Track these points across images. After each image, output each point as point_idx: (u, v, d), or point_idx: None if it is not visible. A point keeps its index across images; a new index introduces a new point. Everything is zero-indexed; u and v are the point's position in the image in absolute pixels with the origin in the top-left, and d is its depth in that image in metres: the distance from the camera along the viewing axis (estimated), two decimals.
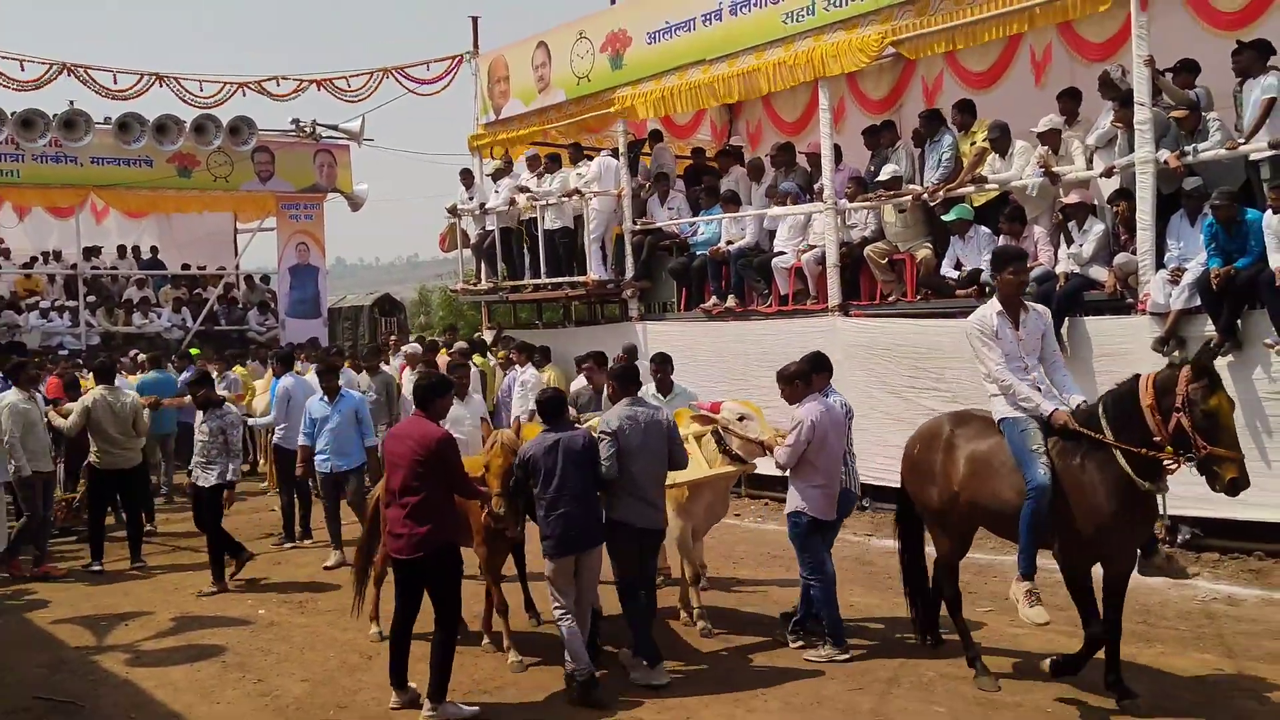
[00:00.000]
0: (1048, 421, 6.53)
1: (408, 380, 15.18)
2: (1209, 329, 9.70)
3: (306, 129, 22.98)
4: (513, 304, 17.95)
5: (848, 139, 13.62)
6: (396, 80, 20.06)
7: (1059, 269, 10.82)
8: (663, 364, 9.71)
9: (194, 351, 17.42)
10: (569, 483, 6.96)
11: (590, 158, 15.73)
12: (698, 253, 14.59)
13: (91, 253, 22.40)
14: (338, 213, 24.38)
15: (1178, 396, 5.96)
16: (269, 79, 20.39)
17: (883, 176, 12.53)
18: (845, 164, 13.18)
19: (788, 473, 7.68)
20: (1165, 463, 6.16)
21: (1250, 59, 9.98)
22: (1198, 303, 9.73)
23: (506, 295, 17.45)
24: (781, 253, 13.53)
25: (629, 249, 15.35)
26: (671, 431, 7.48)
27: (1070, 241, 10.88)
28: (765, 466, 8.69)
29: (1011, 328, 6.82)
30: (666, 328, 14.45)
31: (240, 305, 23.20)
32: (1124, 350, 10.30)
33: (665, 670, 7.31)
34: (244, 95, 20.33)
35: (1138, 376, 6.34)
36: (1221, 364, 9.65)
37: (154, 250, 23.71)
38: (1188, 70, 10.46)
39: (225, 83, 20.21)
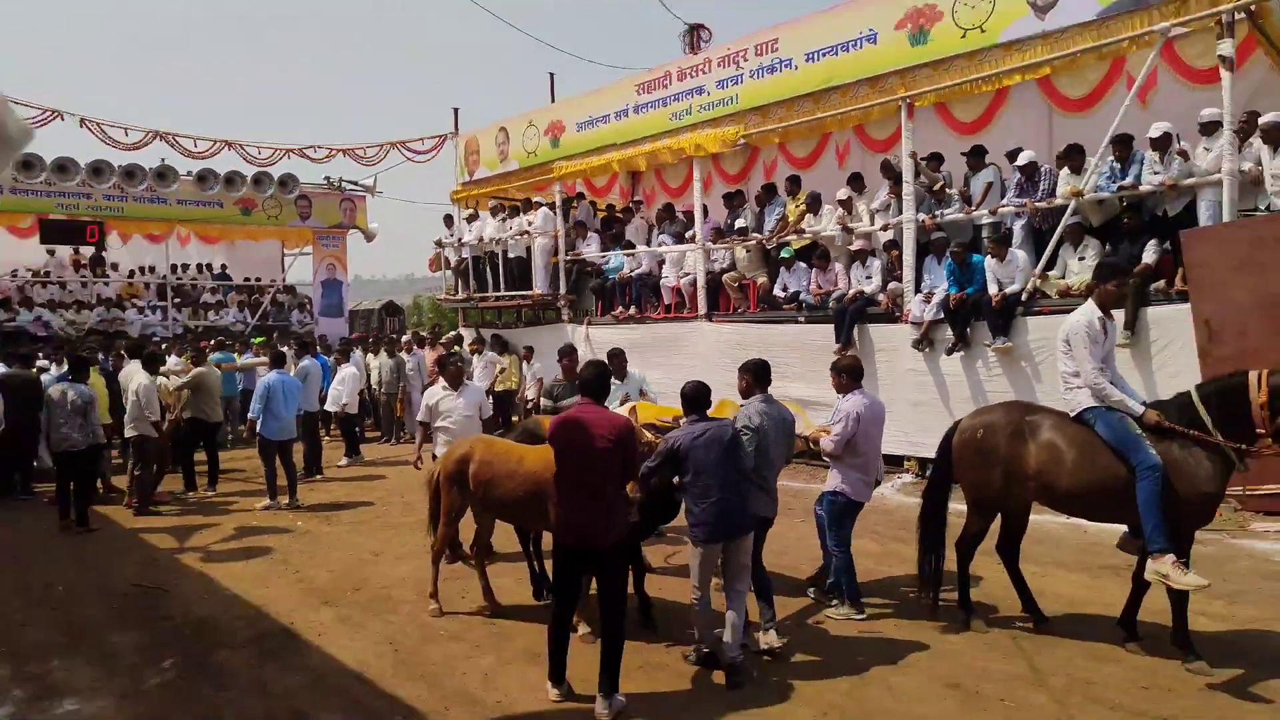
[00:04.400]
0: (1140, 419, 5.22)
1: (479, 364, 14.95)
2: (949, 334, 10.02)
3: (335, 183, 22.71)
4: (481, 310, 17.79)
5: (712, 201, 13.68)
6: (400, 151, 19.74)
7: (851, 292, 10.97)
8: (619, 356, 8.28)
9: (258, 340, 17.01)
10: (721, 472, 5.12)
11: (536, 208, 15.64)
12: (610, 276, 14.59)
13: (177, 268, 21.76)
14: (357, 243, 23.93)
15: None
16: (309, 147, 19.87)
17: (736, 227, 12.69)
18: (710, 218, 13.26)
19: (829, 459, 6.17)
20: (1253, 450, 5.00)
21: (976, 158, 10.37)
22: (941, 316, 10.00)
23: (477, 303, 17.29)
24: (666, 277, 13.63)
25: (563, 273, 15.32)
26: (793, 429, 5.79)
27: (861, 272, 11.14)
28: None
29: (1103, 332, 5.47)
30: (596, 330, 14.44)
31: (285, 307, 22.75)
32: (894, 348, 10.55)
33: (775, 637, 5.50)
34: (289, 158, 19.85)
35: (1247, 373, 5.05)
36: (955, 359, 10.04)
37: (224, 267, 23.03)
38: (937, 159, 10.78)
39: (276, 148, 19.68)
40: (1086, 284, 9.05)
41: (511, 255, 15.84)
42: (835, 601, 6.18)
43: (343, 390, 13.19)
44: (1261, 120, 8.34)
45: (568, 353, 8.27)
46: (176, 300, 20.92)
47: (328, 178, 22.73)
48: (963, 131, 10.79)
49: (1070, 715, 4.55)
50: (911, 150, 10.43)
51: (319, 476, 11.96)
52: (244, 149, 19.28)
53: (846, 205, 11.33)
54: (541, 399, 7.63)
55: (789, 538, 7.54)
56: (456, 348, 15.42)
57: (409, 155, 19.71)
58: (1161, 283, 8.72)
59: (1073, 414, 5.49)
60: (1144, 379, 8.50)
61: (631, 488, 5.03)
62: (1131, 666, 5.11)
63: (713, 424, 5.26)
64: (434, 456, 7.58)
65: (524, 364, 14.44)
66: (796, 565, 7.05)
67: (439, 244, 18.16)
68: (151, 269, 21.80)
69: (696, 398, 5.41)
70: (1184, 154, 8.73)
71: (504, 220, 16.25)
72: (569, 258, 15.26)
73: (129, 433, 10.14)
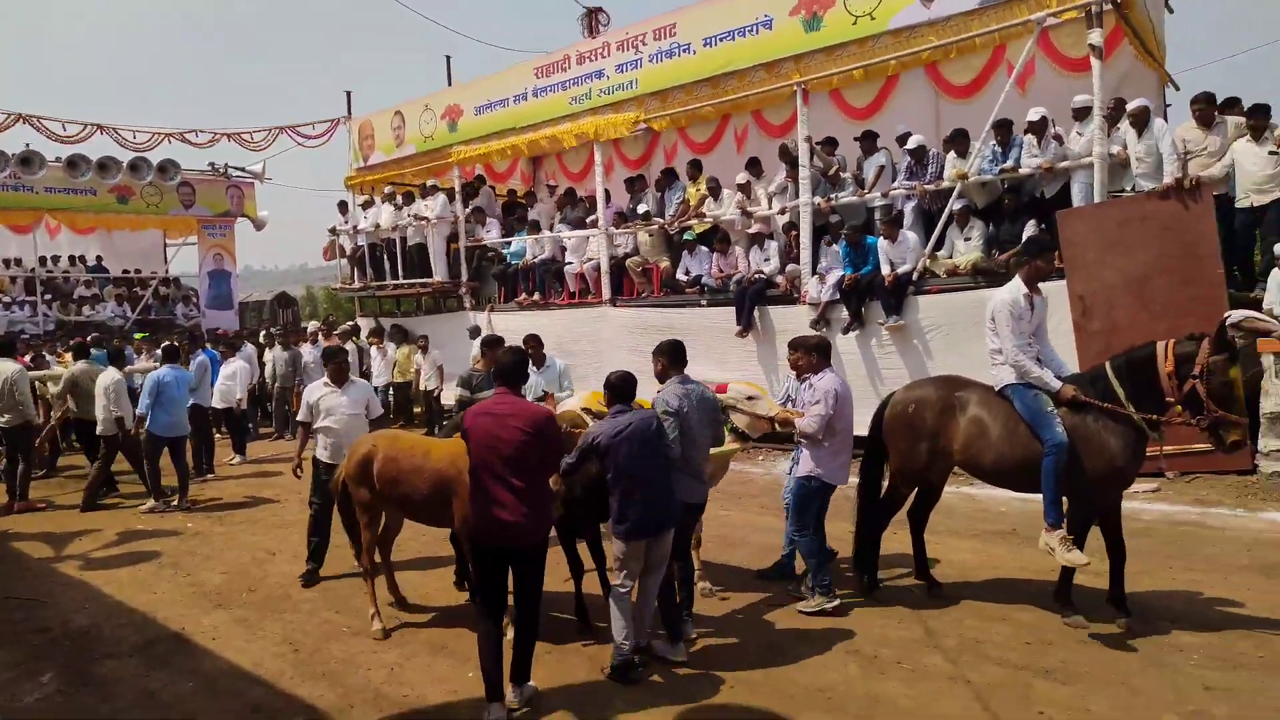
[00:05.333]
0: (1056, 395, 5.30)
1: (377, 355, 14.62)
2: (845, 314, 10.27)
3: (220, 170, 21.68)
4: (379, 299, 17.33)
5: (614, 185, 13.67)
6: (289, 136, 19.01)
7: (750, 274, 11.11)
8: (536, 343, 7.95)
9: (140, 335, 16.13)
10: (645, 467, 4.84)
11: (434, 194, 15.31)
12: (512, 263, 14.40)
13: (47, 260, 20.44)
14: (246, 232, 22.90)
15: (1198, 366, 4.94)
16: (190, 131, 18.90)
17: (639, 211, 12.70)
18: (613, 202, 13.24)
19: (803, 442, 5.83)
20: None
21: (868, 142, 10.66)
22: (837, 297, 10.23)
23: (375, 293, 16.84)
24: (570, 263, 13.56)
25: (463, 260, 15.06)
26: (718, 407, 5.49)
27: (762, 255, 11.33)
28: None
29: (1029, 307, 5.49)
30: (499, 317, 14.23)
31: (169, 300, 21.66)
32: (793, 329, 10.55)
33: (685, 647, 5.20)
34: (169, 143, 18.85)
35: (1154, 344, 5.15)
36: (850, 338, 10.31)
37: (99, 258, 21.77)
38: (831, 144, 11.03)
39: (154, 132, 18.66)
40: (973, 263, 9.48)
41: (410, 242, 15.48)
42: (804, 589, 5.91)
43: (234, 385, 12.65)
44: (1129, 106, 8.84)
45: (492, 343, 7.24)
46: (47, 295, 19.69)
47: (212, 164, 21.71)
48: (855, 116, 11.08)
49: (962, 673, 4.76)
50: (807, 135, 10.63)
51: (210, 475, 11.45)
52: (118, 133, 18.25)
53: (745, 189, 11.48)
54: (458, 390, 7.13)
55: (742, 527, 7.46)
56: (350, 339, 14.97)
57: (299, 140, 19.02)
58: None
59: (997, 389, 5.58)
60: None
61: (555, 480, 4.79)
62: (1017, 624, 5.38)
63: (636, 416, 4.96)
64: (314, 460, 7.07)
65: (420, 354, 14.13)
66: (752, 558, 6.83)
67: (333, 232, 17.66)
68: (18, 261, 20.41)
69: (623, 387, 5.07)
70: (1059, 138, 9.19)
71: (400, 207, 15.86)
72: (469, 244, 15.01)
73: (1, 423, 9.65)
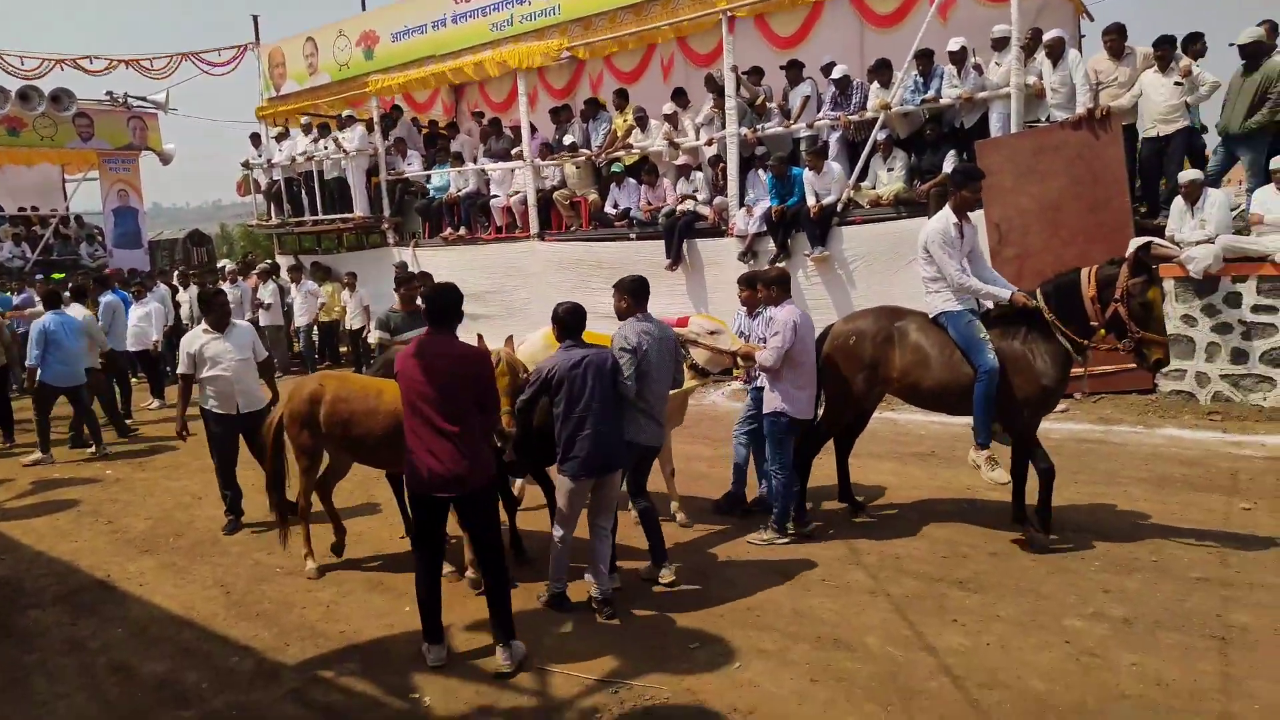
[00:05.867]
0: (1010, 303, 5.44)
1: (266, 293, 14.08)
2: (771, 246, 10.38)
3: (119, 99, 20.39)
4: (299, 235, 16.77)
5: (539, 116, 13.42)
6: (193, 63, 17.97)
7: (681, 207, 11.09)
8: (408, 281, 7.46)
9: (57, 276, 15.33)
10: (598, 402, 4.70)
11: (352, 125, 14.75)
12: (436, 196, 14.05)
13: None
14: (152, 166, 21.78)
15: (1118, 289, 5.13)
16: (84, 57, 17.75)
17: (565, 143, 12.49)
18: (538, 134, 13.00)
19: (763, 377, 5.77)
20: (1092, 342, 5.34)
21: (794, 72, 10.63)
22: (764, 229, 10.36)
23: (293, 229, 16.28)
24: (496, 196, 13.31)
25: (385, 193, 14.63)
26: (678, 348, 5.34)
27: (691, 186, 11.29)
28: None
29: (959, 236, 5.62)
30: (425, 252, 13.95)
31: (72, 240, 20.54)
32: (721, 261, 10.81)
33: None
34: (63, 70, 17.65)
35: (1079, 270, 5.33)
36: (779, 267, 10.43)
37: None
38: (757, 74, 10.98)
39: (45, 59, 17.43)
40: (895, 194, 9.64)
41: (328, 176, 14.97)
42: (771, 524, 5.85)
43: (148, 327, 12.18)
44: (1045, 37, 8.99)
45: (406, 280, 6.97)
46: None
47: (110, 93, 20.39)
48: (781, 46, 11.01)
49: (883, 587, 5.01)
50: (733, 64, 10.55)
51: (129, 421, 11.09)
52: (4, 60, 16.97)
53: (672, 120, 11.38)
54: (376, 332, 6.75)
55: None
56: (269, 278, 14.48)
57: (204, 68, 18.02)
58: None
59: (931, 316, 5.70)
60: None
61: (507, 421, 4.63)
62: (934, 540, 5.66)
63: (591, 350, 4.79)
64: (204, 412, 6.67)
65: (346, 291, 13.80)
66: (715, 490, 6.69)
67: (246, 165, 16.97)
68: None
69: (571, 321, 4.86)
70: (979, 68, 9.31)
71: (317, 139, 15.26)
72: (390, 177, 14.58)
73: None
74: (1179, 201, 8.27)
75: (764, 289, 5.85)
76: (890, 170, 9.82)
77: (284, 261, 16.21)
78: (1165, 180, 8.96)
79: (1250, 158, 8.45)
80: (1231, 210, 8.26)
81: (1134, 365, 5.68)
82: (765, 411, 5.76)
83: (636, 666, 4.29)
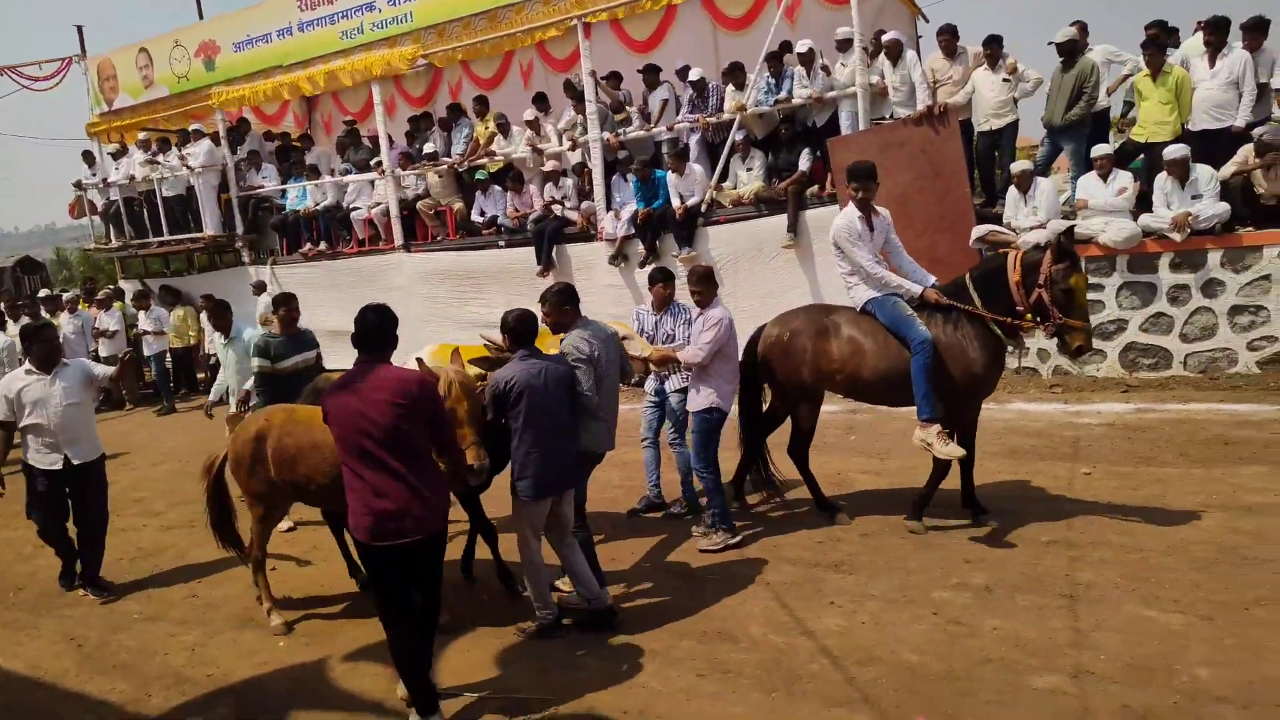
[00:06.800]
0: (920, 298, 5.48)
1: (110, 320, 13.07)
2: (641, 248, 10.47)
3: None
4: (144, 258, 15.76)
5: (397, 126, 13.08)
6: (10, 77, 16.55)
7: (547, 210, 11.00)
8: (223, 310, 7.32)
9: None
10: (556, 416, 4.42)
11: (198, 139, 13.97)
12: (291, 210, 13.50)
13: None
14: None
15: (1042, 275, 5.18)
16: None
17: (425, 151, 12.20)
18: (397, 144, 12.67)
19: (688, 376, 5.78)
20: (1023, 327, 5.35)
21: (651, 75, 10.75)
22: (632, 232, 10.41)
23: (136, 251, 15.27)
24: (357, 208, 12.89)
25: (236, 210, 13.93)
26: (619, 343, 5.04)
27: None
28: None
29: (867, 229, 5.66)
30: (284, 270, 13.35)
31: None
32: (591, 265, 10.82)
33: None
34: None
35: (1004, 256, 5.39)
36: (647, 271, 10.47)
37: None
38: (616, 78, 11.04)
39: None
40: (755, 192, 9.90)
41: (169, 193, 14.13)
42: (703, 530, 5.83)
43: None
44: (883, 39, 9.44)
45: (285, 300, 6.43)
46: None
47: None
48: (637, 50, 11.11)
49: (761, 574, 5.14)
50: (591, 69, 10.59)
51: None
52: None
53: (534, 126, 11.32)
54: (256, 360, 6.20)
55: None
56: (112, 305, 13.55)
57: (24, 83, 16.62)
58: (816, 187, 9.71)
59: (858, 309, 5.74)
60: (807, 274, 9.52)
61: (476, 454, 4.12)
62: (810, 526, 5.84)
63: (547, 361, 4.47)
64: (26, 467, 5.84)
65: (202, 316, 13.05)
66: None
67: (79, 186, 15.77)
68: None
69: (521, 328, 4.50)
70: (827, 69, 9.68)
71: (155, 155, 14.37)
72: (243, 193, 13.90)
73: None
74: (1013, 190, 8.84)
75: (694, 289, 5.66)
76: (749, 170, 10.08)
77: (129, 287, 15.17)
78: (1000, 170, 9.56)
79: (1072, 147, 9.12)
80: (1060, 196, 8.90)
81: None
82: (695, 410, 5.67)
83: (526, 680, 4.24)
